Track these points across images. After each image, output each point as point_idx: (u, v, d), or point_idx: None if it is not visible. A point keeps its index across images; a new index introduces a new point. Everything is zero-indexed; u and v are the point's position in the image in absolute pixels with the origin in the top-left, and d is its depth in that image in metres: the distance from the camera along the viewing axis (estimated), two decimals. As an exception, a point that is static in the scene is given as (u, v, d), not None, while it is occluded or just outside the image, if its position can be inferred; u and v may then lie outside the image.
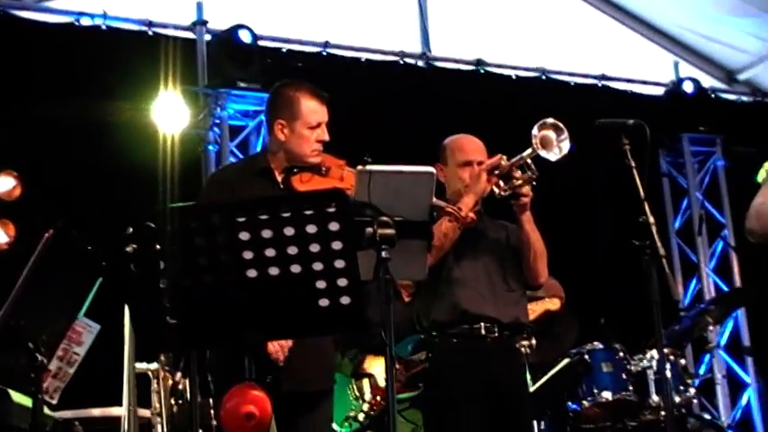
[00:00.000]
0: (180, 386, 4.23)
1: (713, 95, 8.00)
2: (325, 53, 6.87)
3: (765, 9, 7.22)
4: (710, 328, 5.66)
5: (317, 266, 2.51)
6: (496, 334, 3.90)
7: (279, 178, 3.63)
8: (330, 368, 3.68)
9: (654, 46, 8.01)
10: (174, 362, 4.20)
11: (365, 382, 4.74)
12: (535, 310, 5.05)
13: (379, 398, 4.66)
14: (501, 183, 3.91)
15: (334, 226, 2.48)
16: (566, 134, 3.80)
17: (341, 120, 3.76)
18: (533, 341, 5.00)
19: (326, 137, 3.63)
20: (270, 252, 2.49)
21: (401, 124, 6.52)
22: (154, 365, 4.10)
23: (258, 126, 6.61)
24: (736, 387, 7.56)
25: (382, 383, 4.60)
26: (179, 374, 4.26)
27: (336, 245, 2.50)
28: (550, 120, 3.82)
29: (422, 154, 4.11)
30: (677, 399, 5.10)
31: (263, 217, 2.48)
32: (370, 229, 2.90)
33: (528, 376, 4.99)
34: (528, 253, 3.98)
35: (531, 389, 4.91)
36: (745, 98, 8.23)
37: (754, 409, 7.43)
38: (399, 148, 4.29)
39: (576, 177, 6.56)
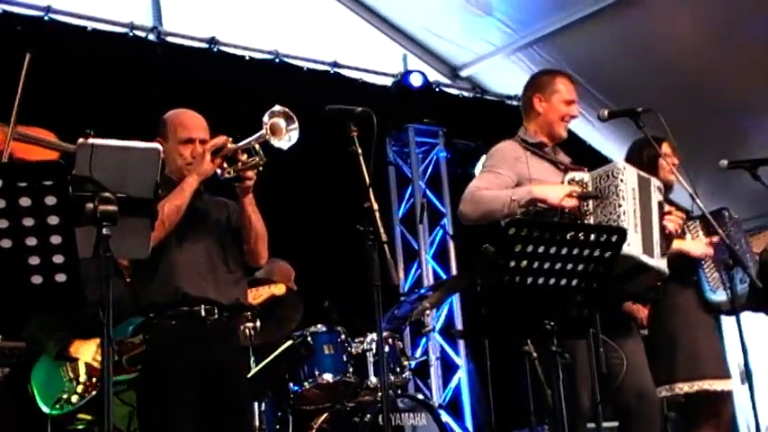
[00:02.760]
0: None
1: (438, 89, 8.35)
2: (47, 18, 6.49)
3: (486, 11, 7.60)
4: (428, 312, 5.90)
5: (31, 241, 2.39)
6: (216, 316, 3.85)
7: None
8: None
9: (384, 37, 8.23)
10: None
11: (81, 363, 4.55)
12: (261, 294, 5.07)
13: (94, 379, 4.49)
14: (225, 164, 3.87)
15: (50, 200, 2.37)
16: (296, 124, 3.81)
17: (63, 91, 3.57)
18: (257, 323, 5.03)
19: None
20: (-23, 225, 2.34)
21: (128, 99, 6.30)
22: None
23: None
24: (448, 368, 7.94)
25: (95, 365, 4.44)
26: None
27: (53, 219, 2.39)
28: (282, 108, 3.82)
29: (150, 131, 4.01)
30: (394, 380, 5.30)
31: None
32: (90, 205, 2.79)
33: (251, 358, 5.02)
34: (249, 235, 3.96)
35: (253, 371, 4.92)
36: (466, 93, 8.64)
37: (464, 389, 7.84)
38: (126, 124, 4.14)
39: (304, 161, 6.62)
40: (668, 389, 4.65)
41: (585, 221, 3.99)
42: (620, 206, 3.97)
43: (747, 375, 4.08)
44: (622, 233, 3.55)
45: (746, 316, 4.95)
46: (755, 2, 6.82)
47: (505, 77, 8.33)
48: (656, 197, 4.22)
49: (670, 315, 4.77)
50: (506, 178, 4.20)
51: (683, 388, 4.65)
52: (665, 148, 4.72)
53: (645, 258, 4.01)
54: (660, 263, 4.11)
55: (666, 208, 4.35)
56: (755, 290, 4.47)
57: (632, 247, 3.92)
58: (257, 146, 3.83)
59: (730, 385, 4.75)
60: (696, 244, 4.70)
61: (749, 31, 7.01)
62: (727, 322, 6.28)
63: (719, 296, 4.71)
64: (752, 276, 4.17)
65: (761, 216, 7.61)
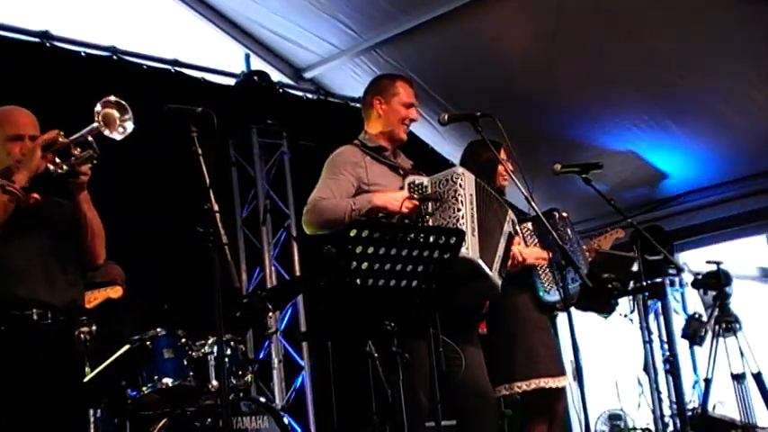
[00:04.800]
0: None
1: (281, 90, 8.31)
2: None
3: (329, 12, 7.62)
4: (271, 314, 5.87)
5: None
6: (50, 320, 3.73)
7: None
8: None
9: (226, 37, 8.14)
10: None
11: None
12: (97, 297, 4.94)
13: None
14: (57, 159, 3.75)
15: None
16: (129, 114, 3.74)
17: None
18: (93, 328, 4.88)
19: None
20: None
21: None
22: None
23: None
24: (292, 370, 7.92)
25: None
26: None
27: None
28: (114, 98, 3.74)
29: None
30: (235, 383, 5.24)
31: None
32: None
33: (86, 363, 4.86)
34: (85, 232, 3.87)
35: (89, 376, 4.78)
36: (310, 95, 8.64)
37: (307, 391, 7.83)
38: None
39: (144, 162, 6.48)
40: (507, 387, 4.80)
41: (425, 224, 4.06)
42: (458, 210, 4.06)
43: (578, 372, 4.24)
44: (460, 235, 3.63)
45: (578, 314, 5.16)
46: (578, 12, 7.08)
47: (349, 80, 8.38)
48: (508, 227, 4.39)
49: (508, 316, 4.90)
50: (347, 184, 4.23)
51: (522, 386, 4.80)
52: (501, 153, 4.85)
53: (482, 263, 4.09)
54: (496, 278, 4.22)
55: (523, 236, 4.55)
56: (585, 289, 4.65)
57: (470, 250, 4.01)
58: (90, 138, 3.73)
59: (564, 382, 4.93)
60: (529, 251, 4.85)
61: (576, 40, 7.29)
62: (561, 321, 6.53)
63: (554, 296, 4.88)
64: (582, 277, 4.33)
65: (593, 219, 7.94)
